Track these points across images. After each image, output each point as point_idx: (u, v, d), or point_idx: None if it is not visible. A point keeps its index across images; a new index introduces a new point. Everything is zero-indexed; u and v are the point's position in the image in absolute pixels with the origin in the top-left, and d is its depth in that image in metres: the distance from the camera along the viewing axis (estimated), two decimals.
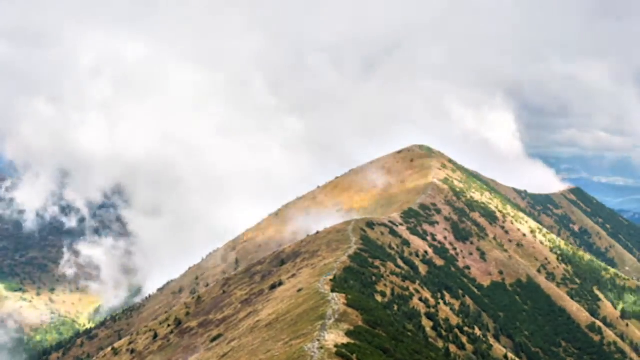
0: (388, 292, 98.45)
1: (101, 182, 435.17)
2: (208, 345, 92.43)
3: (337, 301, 72.55)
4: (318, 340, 56.84)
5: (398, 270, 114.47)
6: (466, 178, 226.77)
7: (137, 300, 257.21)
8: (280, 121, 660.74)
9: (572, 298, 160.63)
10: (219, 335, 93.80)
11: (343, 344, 55.74)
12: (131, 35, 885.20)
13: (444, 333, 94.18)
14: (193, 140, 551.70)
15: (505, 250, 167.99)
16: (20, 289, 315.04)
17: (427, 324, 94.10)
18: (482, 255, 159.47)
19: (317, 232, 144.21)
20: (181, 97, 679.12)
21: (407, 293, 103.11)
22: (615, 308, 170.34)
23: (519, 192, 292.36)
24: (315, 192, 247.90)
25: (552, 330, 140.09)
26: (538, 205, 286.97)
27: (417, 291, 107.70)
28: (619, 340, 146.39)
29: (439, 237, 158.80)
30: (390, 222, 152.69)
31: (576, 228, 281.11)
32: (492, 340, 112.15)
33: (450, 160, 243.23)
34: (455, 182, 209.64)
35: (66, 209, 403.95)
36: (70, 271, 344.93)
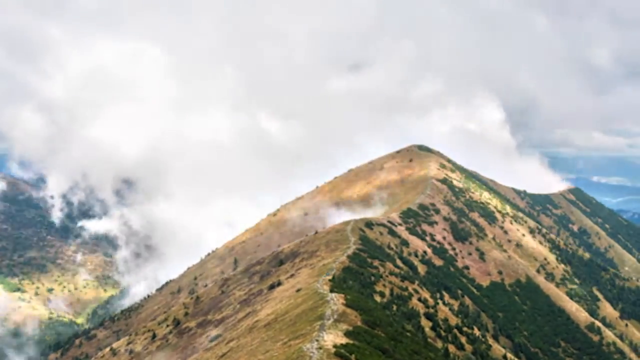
0: (387, 292, 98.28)
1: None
2: (207, 346, 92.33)
3: (336, 301, 72.42)
4: (317, 340, 56.72)
5: (397, 270, 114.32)
6: (465, 178, 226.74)
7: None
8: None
9: (571, 298, 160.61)
10: (218, 336, 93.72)
11: (342, 344, 55.61)
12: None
13: (443, 333, 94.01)
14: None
15: (505, 251, 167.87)
16: (19, 289, 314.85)
17: (426, 324, 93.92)
18: (481, 255, 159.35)
19: (316, 232, 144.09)
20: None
21: (406, 293, 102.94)
22: (615, 308, 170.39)
23: (518, 192, 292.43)
24: (313, 192, 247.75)
25: (551, 331, 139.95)
26: (537, 205, 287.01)
27: (416, 291, 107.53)
28: (618, 340, 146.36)
29: (438, 237, 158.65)
30: (389, 222, 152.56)
31: (575, 228, 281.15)
32: (491, 341, 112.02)
33: (449, 160, 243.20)
34: (454, 182, 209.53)
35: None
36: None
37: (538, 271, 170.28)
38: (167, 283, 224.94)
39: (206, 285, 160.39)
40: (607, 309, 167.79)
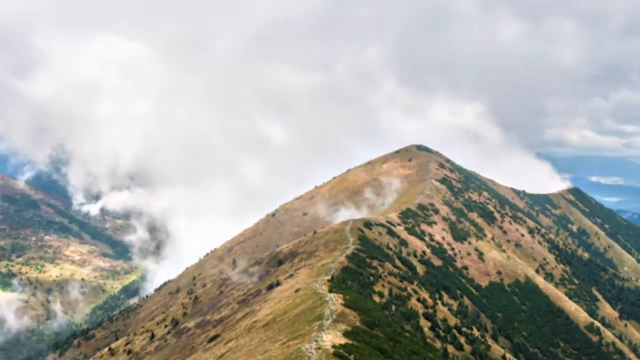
0: (386, 292, 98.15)
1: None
2: (205, 346, 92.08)
3: (335, 301, 72.24)
4: (315, 340, 56.54)
5: (396, 270, 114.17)
6: (464, 178, 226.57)
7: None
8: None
9: (570, 298, 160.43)
10: (216, 336, 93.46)
11: (340, 344, 55.42)
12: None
13: (442, 333, 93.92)
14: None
15: (504, 251, 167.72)
16: (17, 289, 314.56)
17: (425, 324, 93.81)
18: (480, 255, 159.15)
19: (315, 233, 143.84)
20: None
21: (404, 293, 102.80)
22: (614, 308, 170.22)
23: (517, 192, 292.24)
24: (312, 192, 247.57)
25: (550, 331, 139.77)
26: (536, 205, 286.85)
27: (415, 291, 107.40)
28: (617, 340, 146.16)
29: (437, 237, 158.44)
30: (388, 222, 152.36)
31: (574, 228, 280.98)
32: (490, 341, 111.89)
33: (448, 160, 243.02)
34: (453, 182, 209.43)
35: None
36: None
37: (537, 271, 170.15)
38: (165, 283, 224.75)
39: (205, 286, 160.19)
40: (607, 309, 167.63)
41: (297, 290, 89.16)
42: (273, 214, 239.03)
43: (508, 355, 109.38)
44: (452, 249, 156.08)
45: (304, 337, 59.49)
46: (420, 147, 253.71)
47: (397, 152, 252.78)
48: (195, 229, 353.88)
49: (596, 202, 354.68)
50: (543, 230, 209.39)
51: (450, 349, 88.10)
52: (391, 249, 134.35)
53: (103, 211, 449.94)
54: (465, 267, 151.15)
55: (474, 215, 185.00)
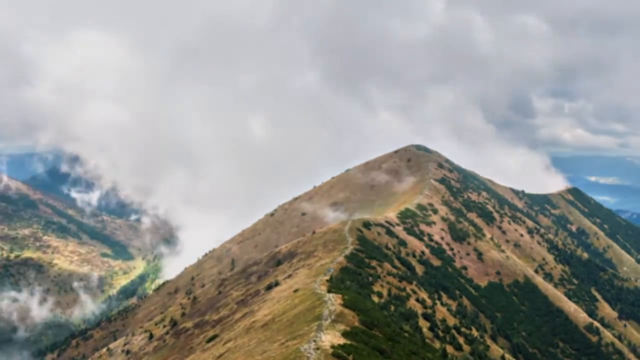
0: (385, 292, 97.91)
1: None
2: (204, 346, 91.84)
3: (334, 302, 72.01)
4: (314, 341, 56.33)
5: (395, 270, 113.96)
6: (463, 178, 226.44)
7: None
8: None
9: (569, 299, 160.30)
10: (215, 336, 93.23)
11: (339, 344, 55.21)
12: None
13: (441, 334, 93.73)
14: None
15: (503, 251, 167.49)
16: (15, 289, 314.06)
17: (424, 324, 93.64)
18: (479, 255, 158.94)
19: (314, 233, 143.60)
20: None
21: (403, 294, 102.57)
22: (613, 309, 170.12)
23: (516, 192, 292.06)
24: (311, 192, 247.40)
25: (549, 331, 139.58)
26: (535, 206, 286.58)
27: (414, 292, 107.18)
28: (616, 341, 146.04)
29: (436, 238, 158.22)
30: (386, 222, 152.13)
31: (574, 228, 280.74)
32: (489, 341, 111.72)
33: (447, 160, 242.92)
34: (452, 182, 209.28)
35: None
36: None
37: (536, 271, 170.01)
38: (164, 284, 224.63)
39: (203, 286, 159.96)
40: (606, 310, 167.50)
41: (295, 291, 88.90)
42: (272, 214, 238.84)
43: (507, 356, 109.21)
44: (451, 249, 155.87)
45: (302, 338, 59.28)
46: (419, 147, 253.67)
47: (395, 152, 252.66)
48: (201, 225, 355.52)
49: (595, 202, 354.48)
50: (542, 231, 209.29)
51: (449, 349, 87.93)
52: (390, 249, 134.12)
53: (101, 210, 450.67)
54: (464, 267, 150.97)
55: (473, 216, 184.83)
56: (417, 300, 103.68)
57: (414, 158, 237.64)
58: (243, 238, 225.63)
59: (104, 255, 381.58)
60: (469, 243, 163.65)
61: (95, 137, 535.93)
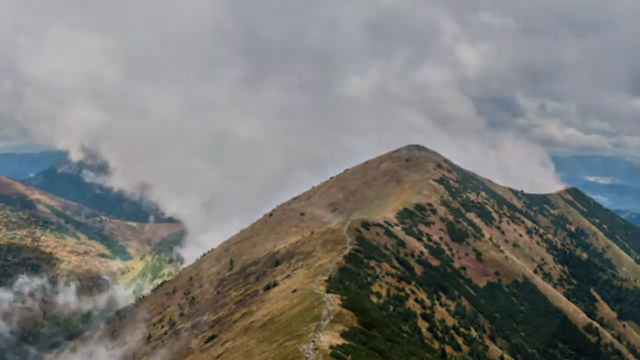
0: (383, 292, 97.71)
1: None
2: (202, 347, 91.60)
3: (332, 302, 71.84)
4: (313, 341, 56.18)
5: (393, 270, 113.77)
6: (462, 178, 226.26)
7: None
8: None
9: (568, 299, 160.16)
10: (213, 337, 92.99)
11: (338, 345, 55.03)
12: None
13: (439, 334, 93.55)
14: None
15: (502, 251, 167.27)
16: (13, 289, 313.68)
17: (422, 325, 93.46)
18: (478, 255, 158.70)
19: (312, 233, 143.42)
20: None
21: (402, 294, 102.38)
22: (612, 309, 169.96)
23: (515, 192, 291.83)
24: (309, 192, 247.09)
25: (548, 331, 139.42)
26: (534, 206, 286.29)
27: (413, 292, 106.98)
28: (615, 341, 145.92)
29: (435, 238, 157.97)
30: (385, 222, 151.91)
31: (573, 228, 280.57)
32: (488, 341, 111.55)
33: (445, 160, 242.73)
34: (451, 182, 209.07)
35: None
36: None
37: (535, 272, 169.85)
38: (162, 284, 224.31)
39: (202, 286, 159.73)
40: (605, 310, 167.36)
41: (294, 291, 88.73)
42: (270, 214, 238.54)
43: (506, 356, 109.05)
44: (450, 250, 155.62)
45: (301, 338, 59.07)
46: (418, 147, 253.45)
47: (394, 152, 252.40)
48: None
49: (594, 202, 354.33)
50: (541, 231, 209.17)
51: (448, 349, 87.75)
52: (389, 249, 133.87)
53: (100, 210, 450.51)
54: (463, 268, 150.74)
55: (472, 216, 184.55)
56: (416, 300, 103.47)
57: (412, 158, 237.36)
58: (242, 238, 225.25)
59: (102, 255, 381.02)
60: (467, 243, 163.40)
61: (92, 136, 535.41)
